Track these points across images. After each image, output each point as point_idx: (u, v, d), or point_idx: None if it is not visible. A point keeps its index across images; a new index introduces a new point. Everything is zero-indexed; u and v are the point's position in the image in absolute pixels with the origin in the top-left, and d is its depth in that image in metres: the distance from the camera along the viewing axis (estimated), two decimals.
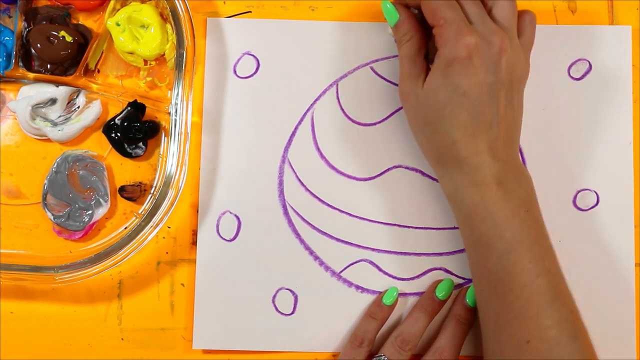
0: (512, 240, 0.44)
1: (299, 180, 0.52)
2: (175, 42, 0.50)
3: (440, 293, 0.50)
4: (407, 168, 0.52)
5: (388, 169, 0.52)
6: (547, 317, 0.43)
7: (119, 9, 0.51)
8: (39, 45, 0.50)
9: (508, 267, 0.44)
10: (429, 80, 0.45)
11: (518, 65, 0.46)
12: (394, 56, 0.52)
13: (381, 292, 0.51)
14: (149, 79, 0.52)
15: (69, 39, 0.50)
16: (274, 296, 0.51)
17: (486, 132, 0.44)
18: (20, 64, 0.51)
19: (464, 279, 0.51)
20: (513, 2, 0.46)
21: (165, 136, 0.51)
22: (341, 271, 0.51)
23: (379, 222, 0.51)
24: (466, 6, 0.46)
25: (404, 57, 0.47)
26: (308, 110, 0.52)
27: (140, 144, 0.51)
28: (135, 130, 0.50)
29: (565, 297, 0.45)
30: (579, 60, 0.52)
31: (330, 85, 0.52)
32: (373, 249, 0.51)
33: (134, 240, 0.48)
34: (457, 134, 0.45)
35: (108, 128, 0.51)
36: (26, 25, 0.51)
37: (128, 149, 0.51)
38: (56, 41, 0.50)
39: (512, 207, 0.44)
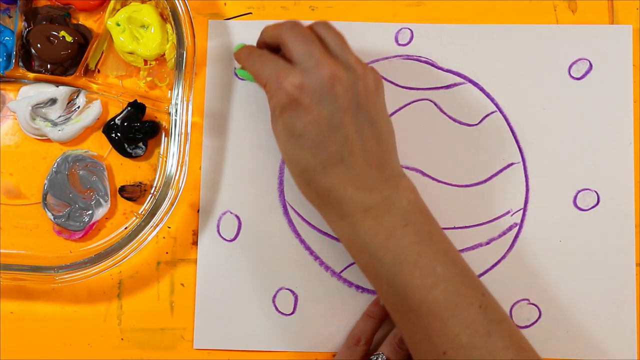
0: (393, 263, 0.42)
1: None
2: (175, 42, 0.50)
3: None
4: (407, 168, 0.52)
5: None
6: (454, 326, 0.41)
7: (119, 9, 0.51)
8: (39, 45, 0.50)
9: (398, 291, 0.42)
10: (277, 125, 0.44)
11: (360, 82, 0.43)
12: (394, 56, 0.52)
13: None
14: (149, 79, 0.52)
15: (69, 39, 0.50)
16: (274, 296, 0.51)
17: (338, 164, 0.43)
18: (20, 64, 0.51)
19: None
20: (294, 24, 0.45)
21: (165, 136, 0.51)
22: (341, 271, 0.51)
23: None
24: (289, 44, 0.44)
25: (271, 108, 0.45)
26: None
27: (140, 144, 0.51)
28: (135, 131, 0.50)
29: (469, 297, 0.42)
30: (580, 59, 0.52)
31: None
32: None
33: (134, 240, 0.48)
34: (309, 174, 0.43)
35: (108, 128, 0.51)
36: (26, 25, 0.51)
37: (128, 149, 0.51)
38: (56, 41, 0.50)
39: (386, 230, 0.43)
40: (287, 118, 0.43)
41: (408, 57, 0.52)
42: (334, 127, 0.42)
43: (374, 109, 0.44)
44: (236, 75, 0.52)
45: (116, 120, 0.50)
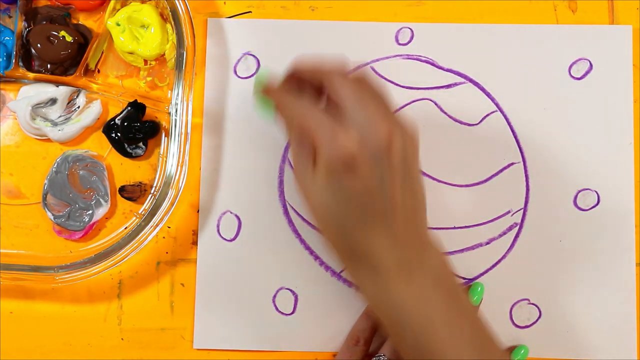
0: (421, 322, 0.41)
1: None
2: (175, 42, 0.50)
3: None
4: None
5: None
6: None
7: (119, 9, 0.51)
8: (39, 45, 0.50)
9: (424, 349, 0.41)
10: (315, 179, 0.42)
11: (409, 142, 0.42)
12: (394, 56, 0.52)
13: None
14: (149, 79, 0.52)
15: (69, 39, 0.50)
16: (274, 296, 0.51)
17: (380, 223, 0.41)
18: (20, 64, 0.51)
19: (464, 278, 0.51)
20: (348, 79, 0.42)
21: (165, 136, 0.51)
22: (341, 271, 0.51)
23: None
24: (342, 94, 0.41)
25: (292, 144, 0.43)
26: None
27: (141, 144, 0.51)
28: (135, 130, 0.50)
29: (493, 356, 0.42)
30: (580, 59, 0.52)
31: None
32: None
33: (134, 240, 0.48)
34: (346, 229, 0.42)
35: (108, 128, 0.51)
36: (26, 25, 0.51)
37: (128, 149, 0.51)
38: (56, 41, 0.50)
39: (418, 289, 0.42)
40: (337, 175, 0.40)
41: (408, 57, 0.52)
42: (383, 187, 0.41)
43: (417, 170, 0.43)
44: (253, 97, 0.47)
45: (116, 120, 0.50)
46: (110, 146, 0.51)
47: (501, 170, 0.52)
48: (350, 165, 0.40)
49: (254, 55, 0.52)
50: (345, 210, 0.41)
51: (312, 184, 0.42)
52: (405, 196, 0.42)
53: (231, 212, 0.51)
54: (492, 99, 0.52)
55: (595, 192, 0.51)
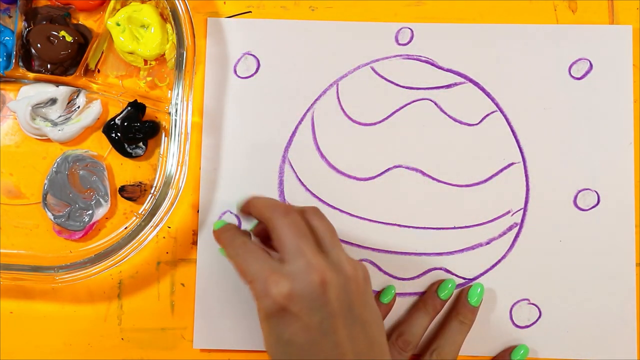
0: None
1: (299, 180, 0.52)
2: (175, 42, 0.50)
3: (442, 293, 0.50)
4: (407, 168, 0.52)
5: (388, 169, 0.52)
6: None
7: (119, 9, 0.51)
8: (39, 45, 0.50)
9: None
10: (262, 325, 0.42)
11: (352, 283, 0.41)
12: (394, 56, 0.52)
13: (378, 291, 0.51)
14: (149, 79, 0.52)
15: (69, 39, 0.50)
16: None
17: None
18: (20, 64, 0.51)
19: (464, 278, 0.51)
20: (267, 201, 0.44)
21: (165, 136, 0.51)
22: None
23: (379, 222, 0.51)
24: (281, 235, 0.42)
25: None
26: (308, 110, 0.52)
27: (141, 144, 0.51)
28: (135, 130, 0.50)
29: None
30: (580, 59, 0.52)
31: (331, 85, 0.52)
32: (373, 249, 0.51)
33: (134, 240, 0.48)
34: None
35: (108, 128, 0.51)
36: (26, 25, 0.51)
37: (128, 149, 0.51)
38: (56, 41, 0.50)
39: None
40: (274, 325, 0.41)
41: (408, 57, 0.52)
42: (325, 333, 0.40)
43: (365, 309, 0.42)
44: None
45: (116, 120, 0.50)
46: (110, 146, 0.51)
47: (501, 170, 0.52)
48: (284, 312, 0.40)
49: (253, 55, 0.52)
50: (291, 358, 0.41)
51: (263, 331, 0.42)
52: (354, 338, 0.41)
53: (231, 212, 0.51)
54: (492, 99, 0.52)
55: (595, 192, 0.51)
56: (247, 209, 0.46)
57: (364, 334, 0.41)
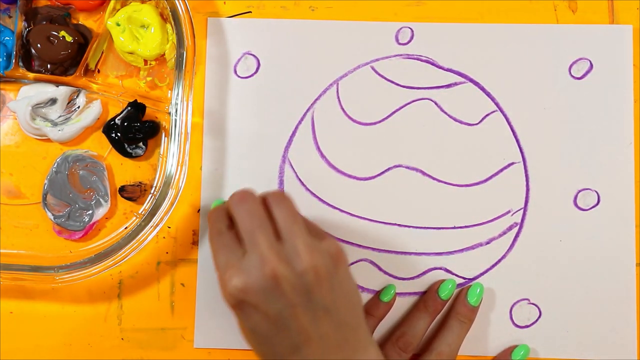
0: None
1: (299, 179, 0.52)
2: (175, 42, 0.50)
3: (442, 293, 0.50)
4: (407, 168, 0.52)
5: (388, 169, 0.52)
6: None
7: (119, 9, 0.51)
8: (39, 45, 0.50)
9: None
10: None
11: (309, 273, 0.41)
12: (394, 55, 0.52)
13: (378, 290, 0.51)
14: (149, 79, 0.52)
15: (69, 39, 0.50)
16: None
17: (294, 355, 0.41)
18: (20, 64, 0.51)
19: (464, 278, 0.51)
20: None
21: (165, 136, 0.51)
22: None
23: (379, 222, 0.51)
24: (238, 223, 0.43)
25: None
26: (308, 109, 0.52)
27: (141, 144, 0.51)
28: (135, 130, 0.50)
29: None
30: (580, 59, 0.52)
31: (331, 85, 0.52)
32: (373, 249, 0.51)
33: (134, 240, 0.48)
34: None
35: (108, 128, 0.51)
36: (26, 25, 0.51)
37: (128, 149, 0.51)
38: (56, 41, 0.50)
39: None
40: (239, 315, 0.42)
41: (408, 57, 0.52)
42: (285, 322, 0.41)
43: (330, 294, 0.42)
44: None
45: (116, 120, 0.50)
46: (110, 146, 0.51)
47: (501, 170, 0.52)
48: (242, 304, 0.41)
49: (254, 55, 0.52)
50: (260, 346, 0.43)
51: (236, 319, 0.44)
52: (319, 324, 0.41)
53: None
54: (492, 99, 0.52)
55: (595, 192, 0.51)
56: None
57: (329, 317, 0.42)
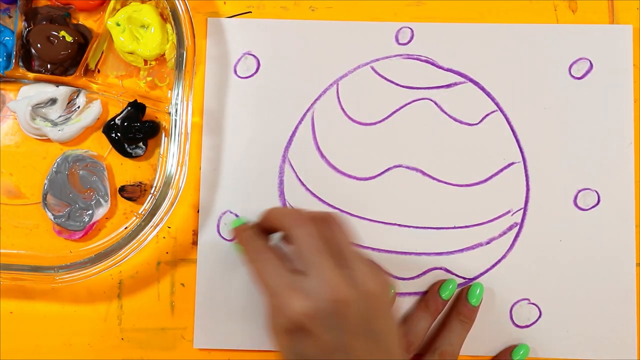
0: None
1: (299, 179, 0.52)
2: (175, 42, 0.50)
3: (443, 293, 0.50)
4: (407, 168, 0.52)
5: (388, 169, 0.52)
6: None
7: (119, 9, 0.51)
8: (39, 45, 0.50)
9: None
10: (276, 337, 0.41)
11: (372, 300, 0.40)
12: (394, 55, 0.52)
13: None
14: (149, 79, 0.52)
15: (69, 39, 0.50)
16: None
17: None
18: (20, 64, 0.51)
19: (464, 278, 0.51)
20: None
21: (165, 136, 0.51)
22: None
23: (379, 222, 0.51)
24: (300, 247, 0.41)
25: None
26: (308, 109, 0.52)
27: (141, 144, 0.51)
28: (135, 130, 0.50)
29: None
30: (580, 59, 0.52)
31: (331, 85, 0.52)
32: (373, 249, 0.51)
33: (134, 240, 0.48)
34: None
35: (108, 128, 0.51)
36: (26, 25, 0.51)
37: (128, 149, 0.51)
38: (56, 41, 0.50)
39: None
40: (291, 342, 0.40)
41: (408, 57, 0.52)
42: (340, 350, 0.39)
43: (384, 320, 0.41)
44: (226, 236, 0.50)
45: (116, 120, 0.50)
46: (110, 146, 0.51)
47: (501, 170, 0.52)
48: (301, 330, 0.39)
49: (253, 55, 0.52)
50: None
51: (277, 346, 0.41)
52: (369, 351, 0.40)
53: (231, 212, 0.51)
54: (492, 99, 0.52)
55: (595, 192, 0.51)
56: (267, 221, 0.45)
57: (380, 346, 0.40)
